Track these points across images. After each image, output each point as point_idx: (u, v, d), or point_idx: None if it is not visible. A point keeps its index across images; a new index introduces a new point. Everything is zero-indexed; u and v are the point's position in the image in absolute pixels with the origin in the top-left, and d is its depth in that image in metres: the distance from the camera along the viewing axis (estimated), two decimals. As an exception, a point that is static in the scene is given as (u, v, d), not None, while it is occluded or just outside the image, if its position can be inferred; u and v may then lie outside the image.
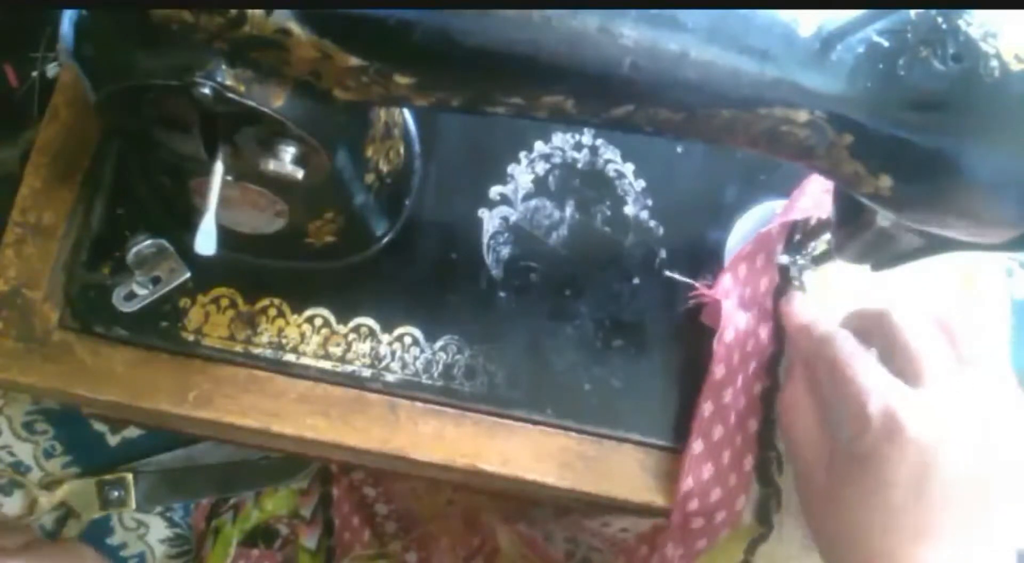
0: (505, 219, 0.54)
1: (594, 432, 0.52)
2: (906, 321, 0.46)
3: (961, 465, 0.43)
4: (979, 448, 0.43)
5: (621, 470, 0.52)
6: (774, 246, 0.53)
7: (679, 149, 0.57)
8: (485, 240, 0.54)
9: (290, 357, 0.51)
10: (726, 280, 0.53)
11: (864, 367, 0.45)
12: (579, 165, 0.56)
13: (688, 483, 0.50)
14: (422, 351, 0.52)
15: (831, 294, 0.55)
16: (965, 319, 0.47)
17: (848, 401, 0.45)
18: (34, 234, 0.51)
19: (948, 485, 0.42)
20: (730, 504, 0.51)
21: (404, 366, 0.51)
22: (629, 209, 0.56)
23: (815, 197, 0.53)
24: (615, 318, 0.54)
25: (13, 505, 0.76)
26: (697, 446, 0.51)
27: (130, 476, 0.77)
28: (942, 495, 0.42)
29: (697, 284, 0.53)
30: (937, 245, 0.42)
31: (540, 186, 0.55)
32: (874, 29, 0.35)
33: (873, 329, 0.47)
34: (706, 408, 0.51)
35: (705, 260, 0.55)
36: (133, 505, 0.77)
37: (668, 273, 0.54)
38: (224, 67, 0.35)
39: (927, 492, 0.42)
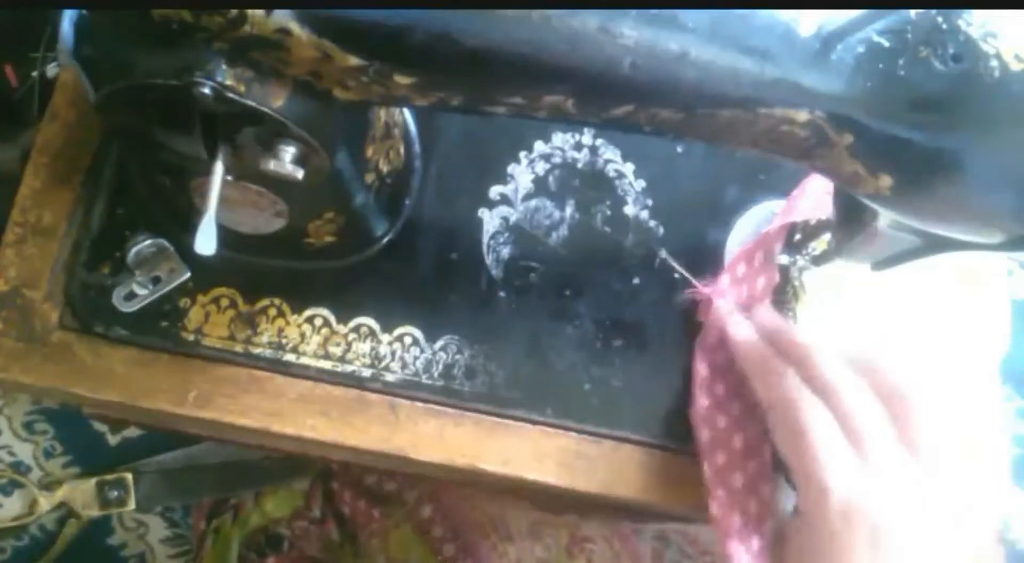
0: (505, 219, 0.54)
1: (594, 432, 0.52)
2: (852, 396, 0.44)
3: (914, 553, 0.42)
4: (928, 535, 0.42)
5: (621, 470, 0.52)
6: (773, 245, 0.53)
7: (679, 149, 0.57)
8: (485, 240, 0.54)
9: (290, 357, 0.51)
10: (723, 280, 0.53)
11: (824, 435, 0.44)
12: (579, 165, 0.56)
13: (706, 470, 0.50)
14: (422, 351, 0.52)
15: (831, 294, 0.55)
16: (921, 396, 0.45)
17: (805, 472, 0.44)
18: (34, 234, 0.51)
19: None
20: (756, 490, 0.50)
21: (404, 366, 0.51)
22: (629, 209, 0.56)
23: (815, 197, 0.53)
24: (615, 318, 0.54)
25: (13, 505, 0.76)
26: (704, 435, 0.51)
27: (130, 476, 0.77)
28: None
29: (693, 280, 0.53)
30: (937, 245, 0.42)
31: (540, 186, 0.55)
32: (874, 29, 0.35)
33: (818, 388, 0.46)
34: (702, 403, 0.51)
35: (705, 260, 0.55)
36: (133, 505, 0.77)
37: (666, 258, 0.54)
38: (224, 67, 0.35)
39: None
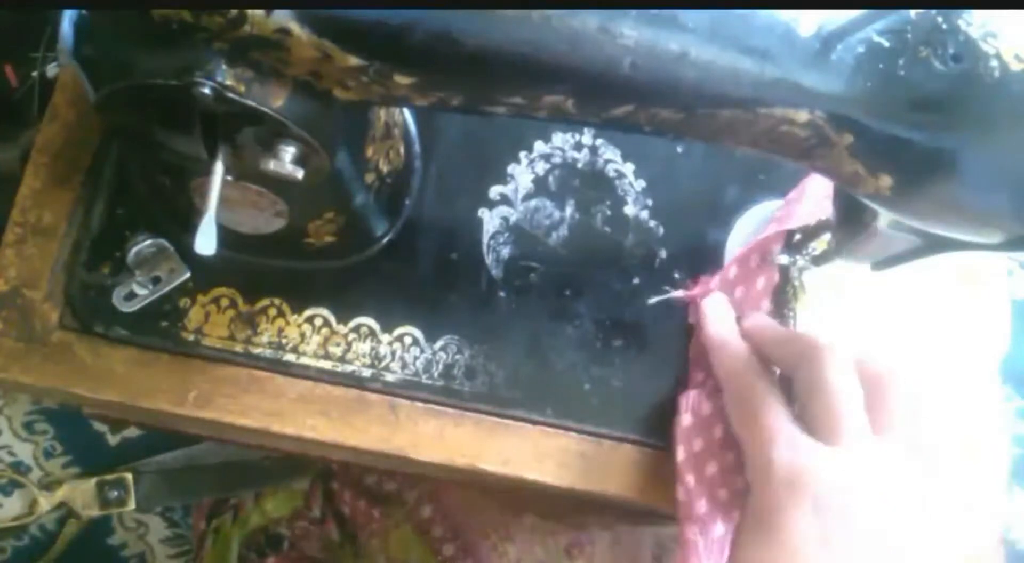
0: (505, 219, 0.54)
1: (594, 432, 0.52)
2: (834, 374, 0.44)
3: (861, 532, 0.42)
4: (880, 516, 0.42)
5: (620, 470, 0.52)
6: (770, 248, 0.53)
7: (679, 149, 0.57)
8: (485, 240, 0.54)
9: (290, 357, 0.51)
10: (713, 282, 0.53)
11: (774, 412, 0.44)
12: (579, 165, 0.56)
13: (681, 452, 0.50)
14: (422, 351, 0.52)
15: (831, 294, 0.55)
16: (898, 377, 0.45)
17: (752, 446, 0.45)
18: (34, 234, 0.51)
19: (846, 551, 0.41)
20: (729, 481, 0.50)
21: (404, 366, 0.51)
22: (629, 209, 0.56)
23: (813, 203, 0.53)
24: (615, 318, 0.54)
25: (13, 505, 0.76)
26: (686, 420, 0.51)
27: (130, 476, 0.77)
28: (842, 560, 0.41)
29: (672, 289, 0.54)
30: (937, 245, 0.42)
31: (540, 186, 0.55)
32: (874, 29, 0.35)
33: (802, 363, 0.46)
34: (691, 391, 0.52)
35: (705, 260, 0.55)
36: (133, 505, 0.77)
37: (664, 291, 0.54)
38: (224, 67, 0.35)
39: (825, 558, 0.41)
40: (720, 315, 0.51)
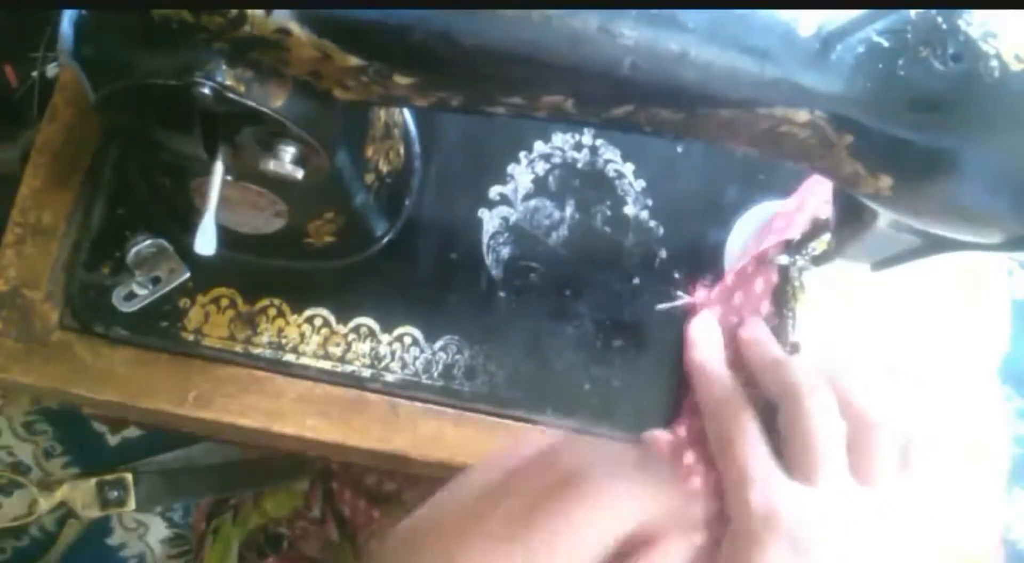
0: (505, 219, 0.55)
1: (594, 432, 0.52)
2: (816, 414, 0.44)
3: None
4: (855, 556, 0.42)
5: (621, 470, 0.52)
6: (767, 253, 0.53)
7: (679, 149, 0.57)
8: (485, 240, 0.54)
9: (290, 357, 0.51)
10: (714, 292, 0.53)
11: (753, 450, 0.45)
12: (579, 165, 0.56)
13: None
14: (422, 351, 0.52)
15: (831, 294, 0.55)
16: (885, 417, 0.45)
17: (729, 479, 0.45)
18: (34, 234, 0.51)
19: None
20: (707, 504, 0.50)
21: (404, 366, 0.51)
22: (629, 209, 0.56)
23: (810, 213, 0.53)
24: (615, 318, 0.54)
25: (13, 505, 0.76)
26: (682, 431, 0.51)
27: (130, 476, 0.77)
28: None
29: (683, 295, 0.53)
30: (937, 245, 0.42)
31: (540, 186, 0.55)
32: (874, 29, 0.35)
33: (786, 398, 0.46)
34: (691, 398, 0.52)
35: (705, 260, 0.55)
36: (133, 505, 0.77)
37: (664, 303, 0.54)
38: (224, 67, 0.35)
39: None
40: (705, 339, 0.52)
